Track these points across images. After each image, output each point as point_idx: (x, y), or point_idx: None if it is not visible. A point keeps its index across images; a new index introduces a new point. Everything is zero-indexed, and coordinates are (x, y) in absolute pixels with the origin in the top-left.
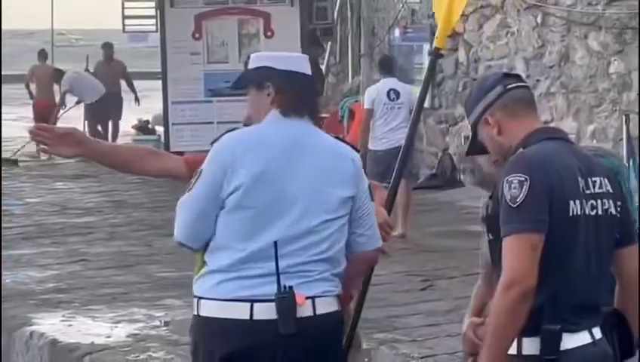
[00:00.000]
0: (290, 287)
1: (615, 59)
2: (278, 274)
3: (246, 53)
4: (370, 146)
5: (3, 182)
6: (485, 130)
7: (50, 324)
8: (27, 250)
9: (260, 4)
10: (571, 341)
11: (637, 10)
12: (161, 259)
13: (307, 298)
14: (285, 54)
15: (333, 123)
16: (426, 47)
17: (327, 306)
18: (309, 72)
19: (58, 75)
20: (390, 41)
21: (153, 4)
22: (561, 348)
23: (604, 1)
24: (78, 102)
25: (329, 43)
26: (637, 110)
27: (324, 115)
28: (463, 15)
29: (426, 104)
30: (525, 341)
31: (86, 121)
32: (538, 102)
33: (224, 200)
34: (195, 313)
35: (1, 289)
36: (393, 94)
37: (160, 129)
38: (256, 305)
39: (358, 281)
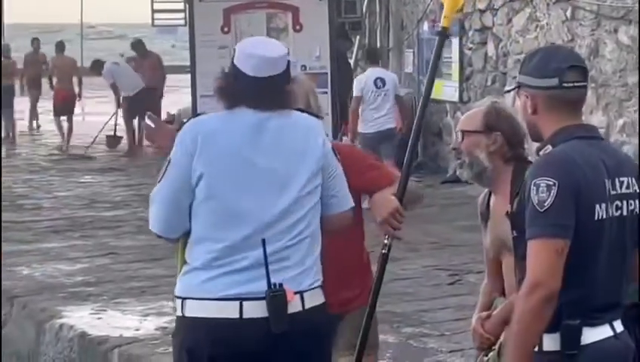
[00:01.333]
0: (281, 284)
1: None
2: (267, 268)
3: None
4: (360, 130)
5: (33, 176)
6: (522, 101)
7: (79, 317)
8: (56, 243)
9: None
10: (592, 335)
11: None
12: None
13: (296, 293)
14: (269, 57)
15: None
16: (455, 40)
17: (314, 299)
18: (271, 53)
19: (98, 65)
20: (419, 35)
21: None
22: (582, 343)
23: None
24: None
25: (358, 37)
26: None
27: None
28: (492, 9)
29: (455, 98)
30: (546, 337)
31: (121, 114)
32: None
33: (194, 189)
34: (180, 314)
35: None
36: (380, 82)
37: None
38: (245, 303)
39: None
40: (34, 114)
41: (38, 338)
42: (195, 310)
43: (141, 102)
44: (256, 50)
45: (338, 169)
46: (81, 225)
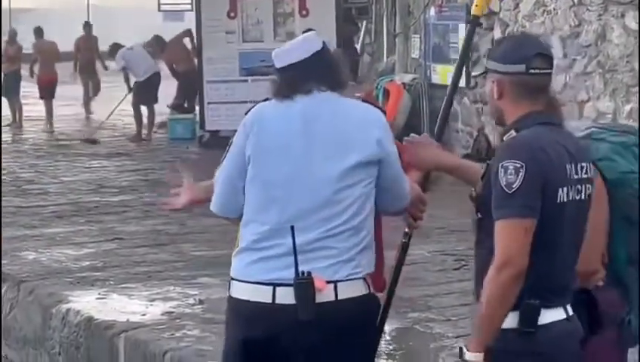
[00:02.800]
0: (309, 272)
1: None
2: (295, 256)
3: (281, 32)
4: None
5: (39, 161)
6: (489, 85)
7: (85, 302)
8: (62, 228)
9: None
10: (548, 316)
11: None
12: (195, 237)
13: (329, 282)
14: (289, 45)
15: (368, 101)
16: (462, 26)
17: (351, 291)
18: (314, 47)
19: (117, 49)
20: (425, 20)
21: None
22: (539, 323)
23: None
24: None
25: (364, 22)
26: None
27: (358, 94)
28: None
29: (461, 83)
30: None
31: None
32: (576, 80)
33: (245, 168)
34: (228, 294)
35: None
36: None
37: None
38: (278, 288)
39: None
40: (87, 100)
41: (45, 323)
42: (237, 291)
43: (151, 88)
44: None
45: (397, 171)
46: (88, 210)
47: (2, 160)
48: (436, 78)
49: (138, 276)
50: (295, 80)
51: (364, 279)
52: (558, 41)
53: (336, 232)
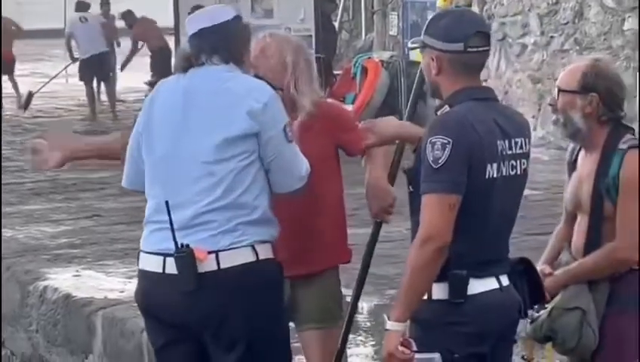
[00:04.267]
0: (188, 245)
1: (629, 16)
2: (172, 230)
3: (259, 8)
4: None
5: (14, 138)
6: (427, 61)
7: (63, 279)
8: (39, 205)
9: None
10: (478, 286)
11: None
12: None
13: (210, 252)
14: (196, 15)
15: (346, 79)
16: (438, 3)
17: (234, 259)
18: (219, 19)
19: (130, 16)
20: None
21: None
22: (469, 293)
23: None
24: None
25: (342, 0)
26: None
27: (336, 71)
28: None
29: None
30: (435, 286)
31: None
32: (553, 58)
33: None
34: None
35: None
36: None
37: None
38: (167, 259)
39: None
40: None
41: (23, 300)
42: (141, 262)
43: (94, 66)
44: None
45: (282, 151)
46: (65, 187)
47: None
48: (414, 56)
49: (115, 253)
50: (193, 51)
51: (253, 247)
52: (536, 18)
53: (215, 207)
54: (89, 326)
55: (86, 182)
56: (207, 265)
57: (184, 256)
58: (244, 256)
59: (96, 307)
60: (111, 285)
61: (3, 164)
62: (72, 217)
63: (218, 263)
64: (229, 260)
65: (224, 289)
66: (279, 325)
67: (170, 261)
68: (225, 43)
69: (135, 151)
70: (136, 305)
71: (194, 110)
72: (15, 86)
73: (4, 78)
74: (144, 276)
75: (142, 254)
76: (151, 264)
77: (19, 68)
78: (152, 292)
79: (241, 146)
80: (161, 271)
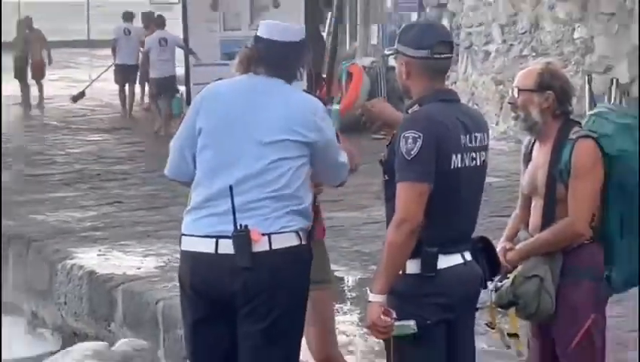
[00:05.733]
0: (246, 226)
1: (578, 26)
2: (234, 212)
3: (257, 21)
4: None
5: (48, 135)
6: (399, 66)
7: (88, 258)
8: (68, 193)
9: None
10: (446, 261)
11: None
12: (184, 201)
13: (263, 234)
14: (276, 25)
15: (332, 83)
16: (414, 15)
17: (283, 241)
18: (289, 38)
19: (129, 16)
20: (384, 11)
21: None
22: (438, 267)
23: None
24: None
25: (330, 13)
26: (599, 70)
27: (324, 75)
28: None
29: None
30: (409, 263)
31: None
32: (513, 63)
33: (195, 139)
34: (180, 247)
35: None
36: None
37: (182, 88)
38: (220, 240)
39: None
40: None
41: (52, 277)
42: (186, 244)
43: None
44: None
45: (316, 150)
46: (90, 178)
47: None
48: (392, 62)
49: (134, 235)
50: (262, 57)
51: (297, 233)
52: (498, 28)
53: (273, 196)
54: (111, 299)
55: (109, 173)
56: (260, 245)
57: (242, 235)
58: (291, 240)
59: (117, 282)
60: (130, 263)
61: (34, 157)
62: (96, 204)
63: (270, 244)
64: (279, 242)
65: (272, 268)
66: (305, 299)
67: (224, 242)
68: (287, 61)
69: (185, 146)
70: (153, 280)
71: (261, 113)
72: (41, 92)
73: (32, 82)
74: (192, 257)
75: (188, 238)
76: (201, 246)
77: (50, 73)
78: (201, 271)
79: (300, 150)
80: (213, 251)
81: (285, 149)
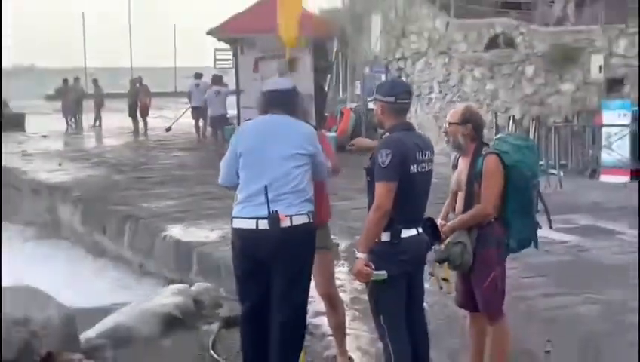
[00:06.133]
0: (276, 211)
1: (489, 82)
2: (268, 202)
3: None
4: None
5: (149, 152)
6: (376, 107)
7: (175, 231)
8: (162, 189)
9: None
10: (406, 233)
11: (501, 54)
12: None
13: (286, 216)
14: (274, 80)
15: (331, 119)
16: (383, 76)
17: (299, 220)
18: (284, 87)
19: (218, 79)
20: (363, 73)
21: (231, 52)
22: (401, 236)
23: (481, 49)
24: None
25: (329, 74)
26: (501, 111)
27: (326, 114)
28: (403, 58)
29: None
30: (383, 234)
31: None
32: (447, 106)
33: (238, 160)
34: (231, 225)
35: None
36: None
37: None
38: (259, 221)
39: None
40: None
41: (153, 243)
42: (237, 223)
43: (200, 112)
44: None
45: (314, 160)
46: (176, 180)
47: (127, 152)
48: (370, 105)
49: (204, 216)
50: (270, 102)
51: (307, 214)
52: (437, 83)
53: (292, 190)
54: (189, 257)
55: (187, 177)
56: (285, 223)
57: (274, 217)
58: (303, 219)
59: (193, 246)
60: (202, 234)
61: (140, 166)
62: (179, 196)
63: (291, 222)
64: (297, 221)
65: (292, 237)
66: (312, 257)
67: (262, 222)
68: (287, 100)
69: (232, 161)
70: (216, 245)
71: (280, 136)
72: (145, 125)
73: (139, 118)
74: (241, 232)
75: (237, 219)
76: (246, 224)
77: (151, 113)
78: (247, 241)
79: (305, 159)
80: (254, 227)
81: (297, 160)
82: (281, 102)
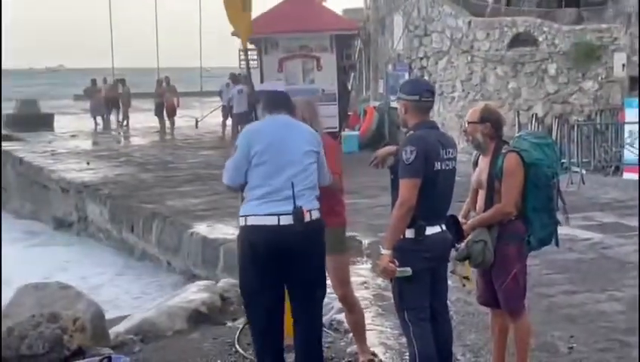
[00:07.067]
0: (300, 206)
1: (510, 80)
2: (294, 197)
3: (307, 79)
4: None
5: (176, 151)
6: (399, 106)
7: (201, 228)
8: (188, 188)
9: (314, 52)
10: (430, 230)
11: (524, 53)
12: None
13: (307, 211)
14: (268, 83)
15: (355, 117)
16: (406, 74)
17: (315, 215)
18: (279, 89)
19: (234, 77)
20: (386, 72)
21: (256, 51)
22: (426, 233)
23: (504, 47)
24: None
25: (352, 73)
26: (524, 109)
27: (350, 113)
28: (426, 57)
29: None
30: (406, 230)
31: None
32: (469, 104)
33: (250, 160)
34: (243, 224)
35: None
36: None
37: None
38: (281, 216)
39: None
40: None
41: (180, 240)
42: (251, 221)
43: (227, 112)
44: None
45: (320, 159)
46: (202, 178)
47: (154, 151)
48: (393, 104)
49: (229, 214)
50: (275, 102)
51: (319, 209)
52: (459, 82)
53: (309, 187)
54: (216, 254)
55: (213, 175)
56: (306, 217)
57: (299, 211)
58: (317, 214)
59: (219, 243)
60: (227, 231)
61: (167, 165)
62: (205, 194)
63: (311, 216)
64: (314, 215)
65: (315, 233)
66: (325, 247)
67: (284, 217)
68: (284, 101)
69: (243, 161)
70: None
71: (296, 134)
72: (172, 124)
73: (166, 118)
74: (261, 229)
75: (255, 217)
76: (267, 221)
77: (179, 112)
78: (268, 238)
79: (316, 157)
80: (276, 224)
81: (311, 156)
82: (284, 103)
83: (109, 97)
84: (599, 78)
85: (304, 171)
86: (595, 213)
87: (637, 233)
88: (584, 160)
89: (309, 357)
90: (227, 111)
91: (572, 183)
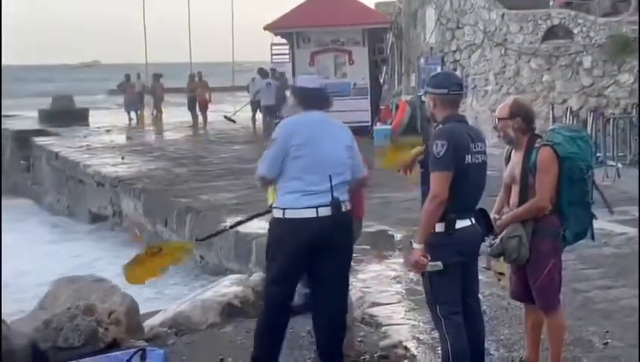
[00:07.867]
0: (338, 198)
1: (545, 73)
2: (332, 190)
3: (339, 73)
4: None
5: (208, 146)
6: (428, 100)
7: (234, 221)
8: (221, 182)
9: (346, 46)
10: (460, 223)
11: (558, 45)
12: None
13: (342, 202)
14: (306, 78)
15: (387, 111)
16: (438, 68)
17: (347, 206)
18: (315, 84)
19: (264, 72)
20: (418, 66)
21: (287, 46)
22: (456, 227)
23: (538, 40)
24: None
25: (384, 67)
26: (558, 102)
27: (381, 107)
28: (459, 50)
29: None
30: (437, 224)
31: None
32: (502, 98)
33: (288, 152)
34: (281, 216)
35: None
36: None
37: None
38: (320, 208)
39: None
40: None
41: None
42: (290, 214)
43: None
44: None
45: (354, 153)
46: (234, 172)
47: (187, 146)
48: (424, 98)
49: (263, 208)
50: (313, 99)
51: (349, 201)
52: (492, 75)
53: (343, 181)
54: (249, 248)
55: (245, 169)
56: (342, 209)
57: (337, 202)
58: (347, 206)
59: (252, 237)
60: (259, 225)
61: (200, 160)
62: (237, 188)
63: (346, 207)
64: (346, 206)
65: (346, 220)
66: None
67: (322, 209)
68: (325, 101)
69: (281, 153)
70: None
71: (333, 130)
72: (205, 119)
73: (199, 113)
74: (299, 222)
75: (293, 210)
76: (306, 214)
77: (211, 107)
78: (307, 229)
79: (351, 152)
80: (315, 215)
81: (348, 152)
82: (319, 100)
83: (142, 92)
84: (635, 70)
85: (341, 166)
86: (630, 208)
87: None
88: (620, 153)
89: (333, 339)
90: (255, 105)
91: (607, 177)
